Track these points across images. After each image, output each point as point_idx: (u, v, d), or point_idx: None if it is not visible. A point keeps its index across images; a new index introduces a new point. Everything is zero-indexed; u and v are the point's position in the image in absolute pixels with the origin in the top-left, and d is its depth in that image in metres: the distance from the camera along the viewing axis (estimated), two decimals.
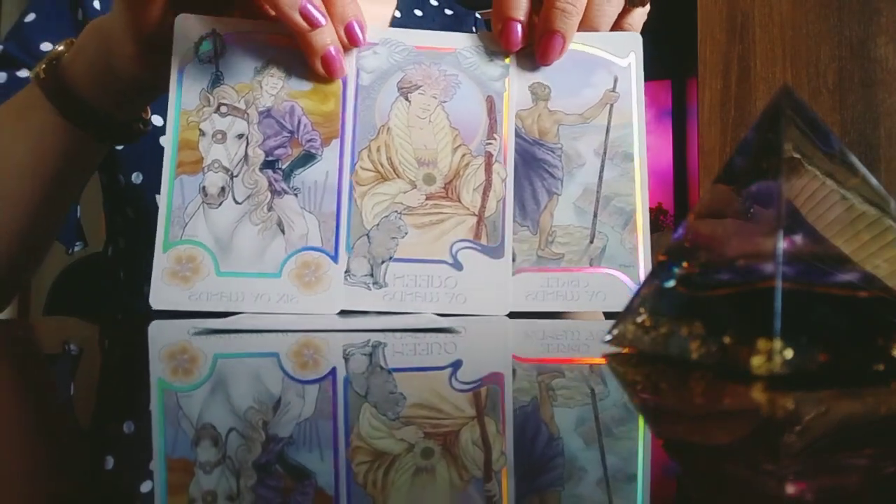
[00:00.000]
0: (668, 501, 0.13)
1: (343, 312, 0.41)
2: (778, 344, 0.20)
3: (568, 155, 0.43)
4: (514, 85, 0.44)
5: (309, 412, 0.18)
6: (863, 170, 0.23)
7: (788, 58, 1.32)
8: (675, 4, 1.37)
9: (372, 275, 0.41)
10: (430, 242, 0.42)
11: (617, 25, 0.44)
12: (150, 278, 0.41)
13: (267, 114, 0.42)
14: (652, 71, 0.44)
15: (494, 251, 0.42)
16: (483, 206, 0.42)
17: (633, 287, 0.41)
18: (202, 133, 0.42)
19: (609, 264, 0.42)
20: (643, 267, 0.42)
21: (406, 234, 0.42)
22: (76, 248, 0.63)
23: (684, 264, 0.25)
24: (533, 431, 0.16)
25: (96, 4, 0.63)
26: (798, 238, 0.22)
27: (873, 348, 0.21)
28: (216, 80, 0.42)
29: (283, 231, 0.41)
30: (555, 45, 0.42)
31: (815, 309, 0.21)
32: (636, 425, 0.18)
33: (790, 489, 0.12)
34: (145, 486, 0.13)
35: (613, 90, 0.44)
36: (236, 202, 0.41)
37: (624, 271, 0.42)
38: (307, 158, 0.42)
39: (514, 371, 0.25)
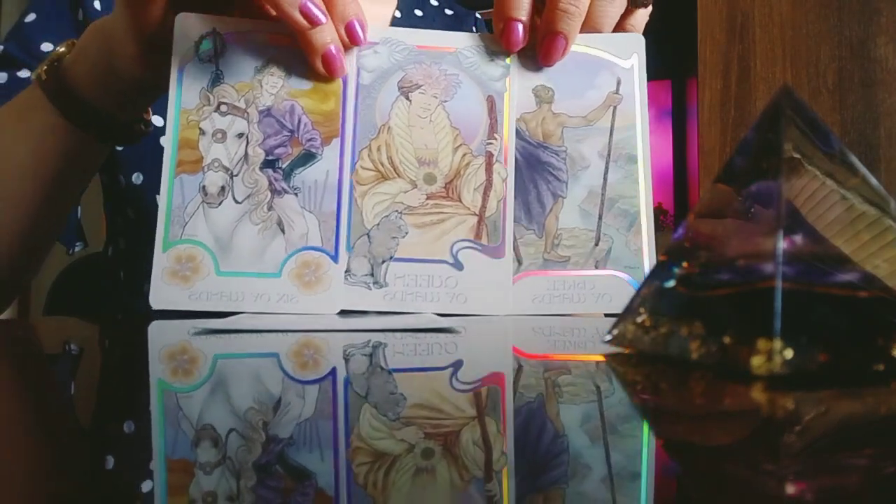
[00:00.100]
0: (669, 502, 0.13)
1: (343, 312, 0.41)
2: (778, 344, 0.20)
3: (572, 157, 0.43)
4: (515, 85, 0.44)
5: (309, 413, 0.18)
6: (863, 170, 0.23)
7: (788, 58, 1.31)
8: (675, 4, 1.37)
9: (372, 274, 0.41)
10: (430, 242, 0.42)
11: (619, 26, 0.44)
12: (150, 278, 0.41)
13: (267, 113, 0.42)
14: (652, 71, 0.44)
15: (495, 251, 0.42)
16: (484, 206, 0.42)
17: None
18: (202, 132, 0.42)
19: (614, 266, 0.42)
20: (648, 268, 0.42)
21: (406, 233, 0.42)
22: (76, 249, 0.63)
23: (684, 264, 0.25)
24: (533, 432, 0.16)
25: (97, 5, 0.63)
26: (798, 238, 0.22)
27: (873, 348, 0.21)
28: (216, 79, 0.42)
29: (283, 231, 0.41)
30: (557, 47, 0.42)
31: (815, 309, 0.21)
32: (636, 425, 0.18)
33: (790, 489, 0.12)
34: (145, 486, 0.13)
35: (616, 92, 0.44)
36: (236, 201, 0.41)
37: (629, 273, 0.42)
38: (307, 158, 0.42)
39: (514, 371, 0.25)
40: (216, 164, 0.41)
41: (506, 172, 0.43)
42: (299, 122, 0.42)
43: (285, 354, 0.28)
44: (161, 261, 0.41)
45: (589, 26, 0.43)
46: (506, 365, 0.27)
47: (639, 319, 0.25)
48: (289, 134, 0.42)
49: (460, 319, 0.39)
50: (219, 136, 0.41)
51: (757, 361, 0.20)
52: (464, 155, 0.43)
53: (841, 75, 1.29)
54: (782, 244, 0.21)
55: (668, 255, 0.25)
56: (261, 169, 0.42)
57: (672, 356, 0.23)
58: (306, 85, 0.43)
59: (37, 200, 0.50)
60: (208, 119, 0.42)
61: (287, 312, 0.40)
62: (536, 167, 0.43)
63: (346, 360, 0.27)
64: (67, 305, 0.89)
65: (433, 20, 0.75)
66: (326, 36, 0.41)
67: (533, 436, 0.16)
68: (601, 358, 0.26)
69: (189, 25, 0.42)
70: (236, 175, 0.41)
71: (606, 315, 0.43)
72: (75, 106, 0.47)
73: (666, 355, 0.24)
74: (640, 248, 0.42)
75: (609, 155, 0.43)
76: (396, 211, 0.42)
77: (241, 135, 0.42)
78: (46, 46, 0.61)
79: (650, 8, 0.45)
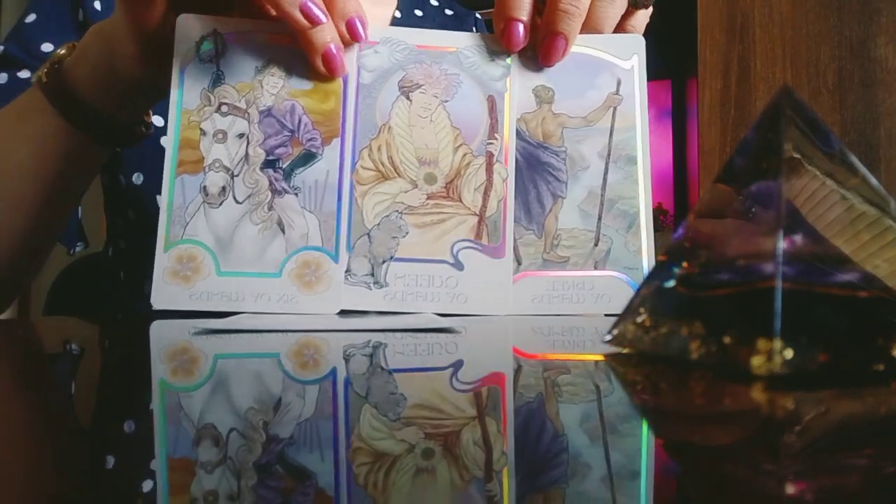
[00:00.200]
0: (669, 502, 0.13)
1: (343, 312, 0.41)
2: (778, 344, 0.20)
3: (572, 158, 0.43)
4: (515, 85, 0.44)
5: (309, 413, 0.18)
6: (863, 170, 0.23)
7: (788, 58, 1.31)
8: (675, 4, 1.37)
9: (373, 274, 0.41)
10: (431, 242, 0.42)
11: (620, 27, 0.44)
12: (151, 278, 0.41)
13: (268, 113, 0.42)
14: (652, 71, 0.44)
15: (495, 251, 0.42)
16: (484, 206, 0.42)
17: None
18: (203, 132, 0.42)
19: (614, 267, 0.42)
20: (647, 269, 0.42)
21: (407, 233, 0.42)
22: (77, 249, 0.63)
23: (684, 264, 0.25)
24: (533, 432, 0.16)
25: (97, 5, 0.63)
26: (798, 238, 0.22)
27: (873, 348, 0.21)
28: (217, 80, 0.42)
29: (283, 231, 0.41)
30: (557, 47, 0.42)
31: (815, 309, 0.21)
32: (636, 425, 0.18)
33: (790, 489, 0.12)
34: (144, 486, 0.13)
35: (617, 93, 0.44)
36: (237, 202, 0.41)
37: (628, 274, 0.42)
38: (307, 157, 0.42)
39: (514, 371, 0.25)
40: (217, 165, 0.41)
41: (506, 172, 0.43)
42: (300, 121, 0.42)
43: (285, 354, 0.28)
44: (162, 261, 0.41)
45: (589, 27, 0.43)
46: (506, 365, 0.27)
47: (639, 319, 0.25)
48: (289, 134, 0.42)
49: (460, 319, 0.39)
50: (220, 136, 0.42)
51: (757, 361, 0.20)
52: (464, 155, 0.43)
53: (841, 75, 1.29)
54: (782, 244, 0.21)
55: (668, 255, 0.25)
56: (261, 169, 0.42)
57: (672, 356, 0.23)
58: (307, 85, 0.43)
59: (37, 202, 0.50)
60: (209, 119, 0.42)
61: (287, 312, 0.40)
62: (536, 167, 0.43)
63: (347, 360, 0.27)
64: (67, 305, 0.89)
65: (433, 20, 0.75)
66: (326, 35, 0.41)
67: (533, 436, 0.16)
68: (601, 358, 0.26)
69: (190, 26, 0.42)
70: (237, 175, 0.42)
71: (606, 315, 0.43)
72: (76, 108, 0.47)
73: (666, 355, 0.24)
74: (639, 249, 0.42)
75: (609, 156, 0.43)
76: (397, 211, 0.42)
77: (241, 135, 0.42)
78: (47, 47, 0.61)
79: (650, 9, 0.45)
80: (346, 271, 0.41)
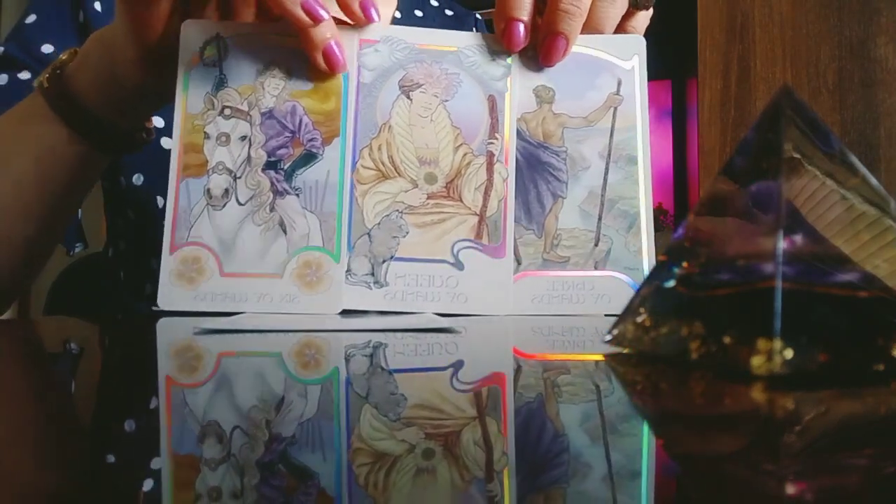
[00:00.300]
0: (669, 502, 0.13)
1: (344, 312, 0.41)
2: (778, 344, 0.20)
3: (572, 158, 0.43)
4: (516, 85, 0.44)
5: (310, 413, 0.18)
6: (863, 170, 0.23)
7: (788, 58, 1.32)
8: (675, 5, 1.37)
9: (373, 274, 0.41)
10: (431, 242, 0.42)
11: (620, 28, 0.44)
12: (151, 278, 0.41)
13: (269, 114, 0.42)
14: (652, 71, 0.44)
15: (496, 251, 0.42)
16: (484, 206, 0.42)
17: None
18: (207, 136, 0.42)
19: (614, 267, 0.42)
20: (648, 270, 0.42)
21: (407, 233, 0.42)
22: (77, 250, 0.63)
23: (684, 264, 0.25)
24: (533, 432, 0.16)
25: (97, 6, 0.63)
26: (798, 238, 0.22)
27: (873, 348, 0.21)
28: (220, 84, 0.42)
29: (284, 231, 0.41)
30: (558, 47, 0.42)
31: (815, 309, 0.21)
32: (636, 426, 0.18)
33: (790, 489, 0.12)
34: (145, 483, 0.13)
35: (617, 93, 0.44)
36: (239, 203, 0.42)
37: (629, 274, 0.42)
38: (308, 158, 0.42)
39: (514, 371, 0.25)
40: (220, 167, 0.42)
41: (506, 172, 0.43)
42: (300, 122, 0.42)
43: (286, 354, 0.28)
44: (168, 263, 0.41)
45: (590, 27, 0.43)
46: (506, 365, 0.27)
47: (639, 319, 0.25)
48: (290, 135, 0.42)
49: (460, 319, 0.39)
50: (223, 139, 0.42)
51: (757, 361, 0.20)
52: (465, 154, 0.43)
53: (841, 75, 1.29)
54: (782, 244, 0.21)
55: (668, 255, 0.25)
56: (263, 170, 0.42)
57: (672, 356, 0.23)
58: (307, 85, 0.43)
59: (39, 209, 0.50)
60: (213, 123, 0.42)
61: (289, 312, 0.40)
62: (536, 167, 0.43)
63: (347, 360, 0.27)
64: (67, 305, 0.89)
65: (433, 20, 0.75)
66: (327, 32, 0.41)
67: (533, 436, 0.16)
68: (601, 358, 0.26)
69: (194, 32, 0.43)
70: (239, 177, 0.42)
71: (606, 315, 0.43)
72: (78, 115, 0.47)
73: (666, 355, 0.24)
74: (639, 250, 0.43)
75: (609, 156, 0.43)
76: (397, 210, 0.42)
77: (244, 137, 0.42)
78: (47, 48, 0.61)
79: (651, 11, 0.45)
80: (347, 271, 0.41)
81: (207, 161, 0.42)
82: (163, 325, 0.39)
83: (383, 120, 0.43)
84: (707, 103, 1.36)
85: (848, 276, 0.22)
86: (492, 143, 0.43)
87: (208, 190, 0.42)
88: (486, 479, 0.13)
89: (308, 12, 0.40)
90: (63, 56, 0.48)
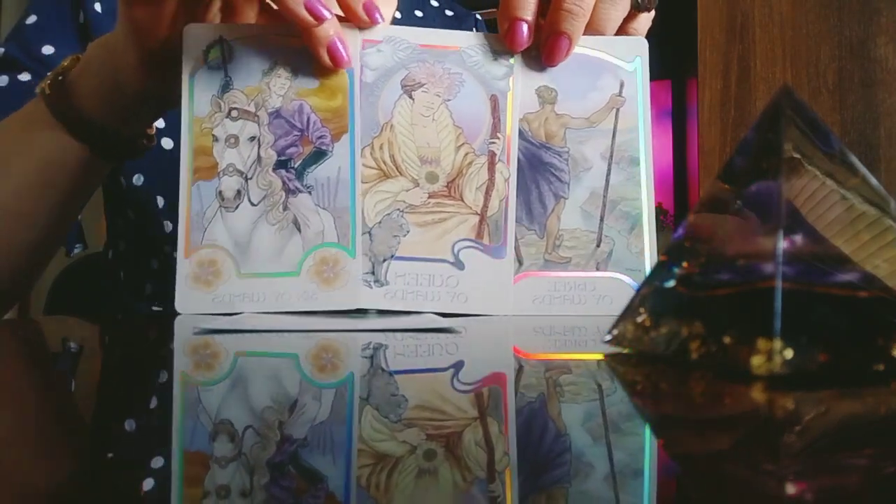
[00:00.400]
0: (669, 502, 0.13)
1: (344, 311, 0.41)
2: (778, 344, 0.20)
3: (574, 159, 0.43)
4: (518, 85, 0.44)
5: (310, 415, 0.18)
6: (863, 170, 0.23)
7: (788, 58, 1.31)
8: (675, 5, 1.37)
9: (373, 272, 0.41)
10: (432, 241, 0.42)
11: (622, 30, 0.44)
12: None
13: (276, 114, 0.43)
14: (652, 71, 0.44)
15: (497, 251, 0.42)
16: (486, 206, 0.42)
17: None
18: (215, 139, 0.42)
19: (616, 268, 0.42)
20: (649, 271, 0.42)
21: (408, 232, 0.42)
22: (76, 251, 0.63)
23: (684, 264, 0.25)
24: (535, 432, 0.16)
25: (97, 7, 0.63)
26: (798, 238, 0.22)
27: (873, 348, 0.21)
28: (226, 86, 0.43)
29: (299, 229, 0.42)
30: (561, 47, 0.42)
31: (815, 309, 0.21)
32: (636, 426, 0.18)
33: (790, 489, 0.13)
34: (141, 482, 0.13)
35: (619, 94, 0.44)
36: (252, 204, 0.42)
37: (630, 275, 0.42)
38: (318, 155, 0.42)
39: (515, 372, 0.25)
40: (231, 169, 0.42)
41: (508, 172, 0.43)
42: (308, 120, 0.43)
43: (286, 355, 0.28)
44: (184, 267, 0.41)
45: (592, 28, 0.43)
46: (507, 365, 0.27)
47: (639, 319, 0.25)
48: (299, 133, 0.42)
49: (461, 320, 0.39)
50: (231, 141, 0.42)
51: (757, 361, 0.20)
52: (466, 154, 0.43)
53: (841, 75, 1.29)
54: (782, 244, 0.21)
55: (669, 255, 0.25)
56: (274, 170, 0.42)
57: (672, 356, 0.23)
58: (313, 83, 0.43)
59: (40, 214, 0.50)
60: (220, 125, 0.42)
61: (308, 310, 0.41)
62: (538, 168, 0.43)
63: (348, 361, 0.27)
64: (67, 305, 0.89)
65: (433, 21, 0.75)
66: (330, 29, 0.41)
67: (535, 436, 0.16)
68: (601, 358, 0.26)
69: (197, 35, 0.43)
70: (250, 178, 0.42)
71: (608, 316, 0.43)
72: (80, 122, 0.47)
73: (666, 355, 0.24)
74: (641, 251, 0.43)
75: (611, 157, 0.43)
76: (398, 209, 0.42)
77: (252, 138, 0.42)
78: (47, 49, 0.61)
79: (653, 13, 0.45)
80: None
81: (217, 163, 0.42)
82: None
83: (385, 119, 0.43)
84: (707, 103, 1.36)
85: (848, 276, 0.22)
86: (493, 142, 0.43)
87: (220, 192, 0.42)
88: (488, 479, 0.13)
89: (311, 12, 0.40)
90: (65, 62, 0.47)
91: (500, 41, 0.43)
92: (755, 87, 1.33)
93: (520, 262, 0.42)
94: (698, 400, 0.20)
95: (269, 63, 0.43)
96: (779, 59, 1.32)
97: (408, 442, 0.15)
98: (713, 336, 0.22)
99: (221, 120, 0.42)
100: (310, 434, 0.16)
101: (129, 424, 0.18)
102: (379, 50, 0.43)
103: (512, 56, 0.44)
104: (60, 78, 0.47)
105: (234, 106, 0.42)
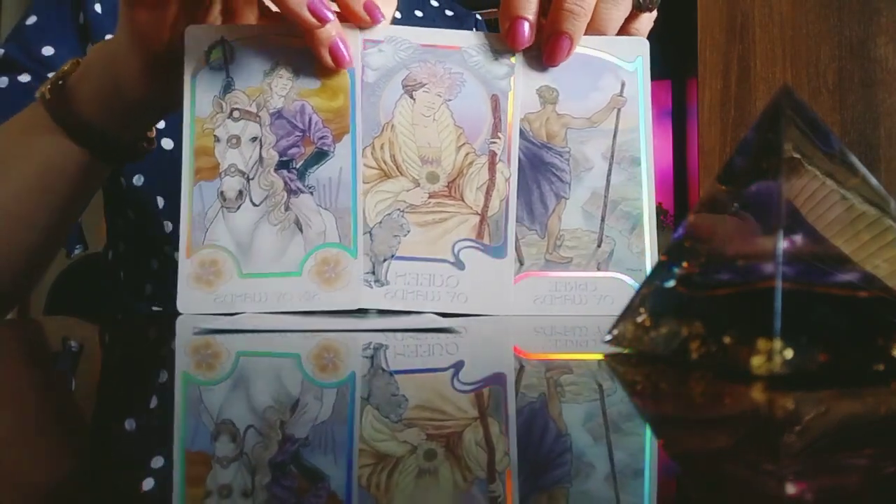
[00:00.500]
0: (669, 502, 0.13)
1: (344, 311, 0.41)
2: (778, 344, 0.20)
3: (576, 159, 0.43)
4: (519, 85, 0.44)
5: (311, 414, 0.18)
6: (863, 170, 0.23)
7: (788, 58, 1.31)
8: (675, 5, 1.37)
9: (374, 272, 0.41)
10: (432, 241, 0.42)
11: (624, 30, 0.44)
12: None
13: (278, 115, 0.43)
14: (652, 71, 0.44)
15: (497, 251, 0.42)
16: (486, 206, 0.43)
17: None
18: (217, 139, 0.42)
19: (617, 268, 0.42)
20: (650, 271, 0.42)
21: (408, 232, 0.42)
22: (76, 252, 0.63)
23: (684, 264, 0.25)
24: (535, 432, 0.16)
25: (97, 8, 0.63)
26: (798, 238, 0.22)
27: (873, 348, 0.21)
28: (228, 87, 0.43)
29: (300, 230, 0.42)
30: (562, 47, 0.42)
31: (815, 309, 0.21)
32: (636, 426, 0.18)
33: (790, 489, 0.13)
34: (139, 480, 0.13)
35: (621, 95, 0.44)
36: (254, 204, 0.42)
37: (631, 275, 0.42)
38: (320, 156, 0.42)
39: (515, 372, 0.25)
40: (232, 170, 0.42)
41: (509, 172, 0.43)
42: (310, 121, 0.43)
43: (286, 355, 0.29)
44: (185, 267, 0.41)
45: (593, 28, 0.43)
46: (507, 365, 0.27)
47: (639, 319, 0.25)
48: (300, 134, 0.43)
49: (461, 319, 0.39)
50: (233, 141, 0.42)
51: (757, 361, 0.20)
52: (467, 154, 0.43)
53: (841, 75, 1.29)
54: (782, 244, 0.21)
55: (669, 255, 0.25)
56: (276, 170, 0.42)
57: (672, 356, 0.23)
58: (315, 84, 0.43)
59: (41, 217, 0.50)
60: (222, 126, 0.42)
61: (309, 310, 0.41)
62: (540, 168, 0.43)
63: (348, 361, 0.27)
64: (67, 306, 0.89)
65: (433, 21, 0.75)
66: (332, 29, 0.41)
67: (535, 436, 0.16)
68: (601, 357, 0.26)
69: (198, 37, 0.43)
70: (252, 178, 0.42)
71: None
72: (80, 127, 0.47)
73: (666, 355, 0.24)
74: (642, 251, 0.43)
75: (612, 157, 0.43)
76: (399, 209, 0.42)
77: (254, 138, 0.42)
78: (47, 50, 0.61)
79: (655, 13, 0.45)
80: None
81: (219, 164, 0.42)
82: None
83: (386, 119, 0.43)
84: (707, 103, 1.36)
85: (848, 276, 0.22)
86: (494, 142, 0.43)
87: (222, 193, 0.42)
88: (489, 479, 0.13)
89: (314, 13, 0.40)
90: (65, 67, 0.47)
91: (501, 41, 0.43)
92: (755, 87, 1.33)
93: (520, 262, 0.42)
94: (698, 400, 0.20)
95: (270, 64, 0.43)
96: (779, 59, 1.32)
97: (408, 442, 0.15)
98: (713, 336, 0.22)
99: (223, 120, 0.42)
100: (311, 434, 0.16)
101: (130, 424, 0.18)
102: (380, 50, 0.43)
103: (513, 55, 0.44)
104: (60, 83, 0.47)
105: (235, 106, 0.42)
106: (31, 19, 0.63)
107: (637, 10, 0.44)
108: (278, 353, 0.29)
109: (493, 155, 0.43)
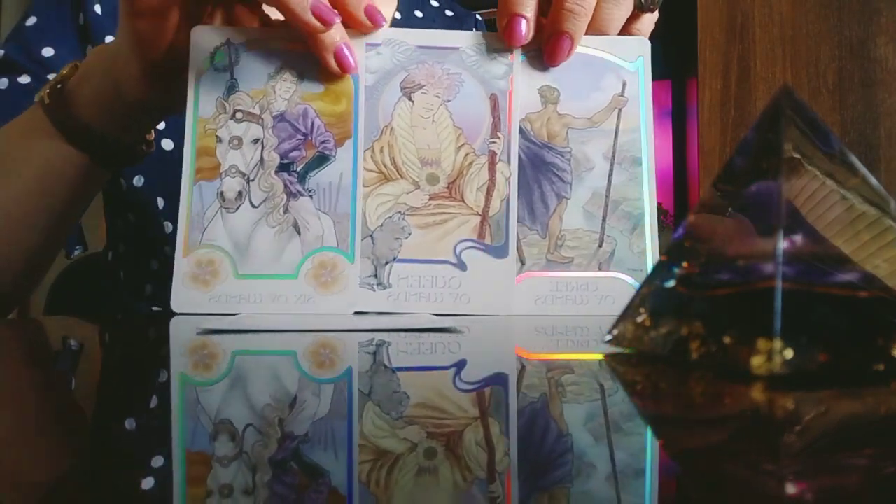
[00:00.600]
0: (669, 502, 0.13)
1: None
2: (778, 344, 0.20)
3: (577, 159, 0.43)
4: (518, 84, 0.44)
5: (312, 412, 0.18)
6: (863, 170, 0.24)
7: (788, 58, 1.31)
8: (675, 5, 1.37)
9: (376, 276, 0.41)
10: (433, 243, 0.42)
11: (625, 30, 0.44)
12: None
13: (281, 117, 0.43)
14: (652, 71, 0.44)
15: (498, 251, 0.42)
16: (487, 206, 0.43)
17: None
18: (219, 140, 0.42)
19: (618, 268, 0.42)
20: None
21: (409, 234, 0.42)
22: (76, 252, 0.63)
23: (684, 264, 0.25)
24: (536, 432, 0.16)
25: (97, 9, 0.63)
26: (798, 238, 0.22)
27: (873, 348, 0.21)
28: (232, 88, 0.43)
29: (298, 232, 0.42)
30: (563, 46, 0.42)
31: (815, 309, 0.21)
32: (636, 426, 0.18)
33: (790, 489, 0.13)
34: (139, 480, 0.13)
35: (622, 94, 0.44)
36: (253, 206, 0.42)
37: (633, 275, 0.42)
38: (321, 160, 0.42)
39: (516, 371, 0.25)
40: (233, 170, 0.42)
41: (509, 171, 0.43)
42: (312, 124, 0.43)
43: (287, 355, 0.29)
44: (181, 266, 0.41)
45: (595, 28, 0.43)
46: (508, 365, 0.27)
47: (639, 319, 0.25)
48: (302, 137, 0.43)
49: (463, 319, 0.39)
50: (235, 142, 0.42)
51: (757, 361, 0.20)
52: (466, 154, 0.43)
53: (841, 75, 1.29)
54: (782, 244, 0.21)
55: (669, 255, 0.25)
56: (276, 173, 0.42)
57: (672, 356, 0.23)
58: (318, 88, 0.43)
59: (41, 220, 0.50)
60: (224, 127, 0.42)
61: (304, 313, 0.41)
62: (541, 167, 0.43)
63: (349, 359, 0.27)
64: (67, 306, 0.89)
65: (433, 21, 0.75)
66: (336, 35, 0.41)
67: (535, 436, 0.16)
68: (601, 357, 0.26)
69: (204, 38, 0.43)
70: (253, 180, 0.42)
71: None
72: (79, 131, 0.47)
73: (666, 355, 0.24)
74: (643, 251, 0.43)
75: (614, 157, 0.43)
76: (399, 212, 0.42)
77: (256, 140, 0.42)
78: (47, 51, 0.61)
79: (657, 14, 0.45)
80: None
81: (220, 164, 0.42)
82: (163, 325, 0.39)
83: (385, 122, 0.43)
84: (707, 103, 1.36)
85: (848, 276, 0.22)
86: (494, 142, 0.43)
87: (221, 193, 0.42)
88: (489, 479, 0.13)
89: (319, 17, 0.40)
90: (64, 70, 0.47)
91: (499, 40, 0.43)
92: (755, 87, 1.33)
93: (522, 262, 0.42)
94: (698, 400, 0.20)
95: (275, 67, 0.43)
96: (779, 59, 1.32)
97: (409, 440, 0.15)
98: (713, 336, 0.22)
99: (226, 121, 0.42)
100: (309, 431, 0.16)
101: (130, 424, 0.18)
102: (378, 52, 0.43)
103: (511, 54, 0.44)
104: (59, 86, 0.47)
105: (238, 108, 0.43)
106: (31, 20, 0.63)
107: (639, 10, 0.44)
108: (277, 352, 0.29)
109: (492, 155, 0.43)
